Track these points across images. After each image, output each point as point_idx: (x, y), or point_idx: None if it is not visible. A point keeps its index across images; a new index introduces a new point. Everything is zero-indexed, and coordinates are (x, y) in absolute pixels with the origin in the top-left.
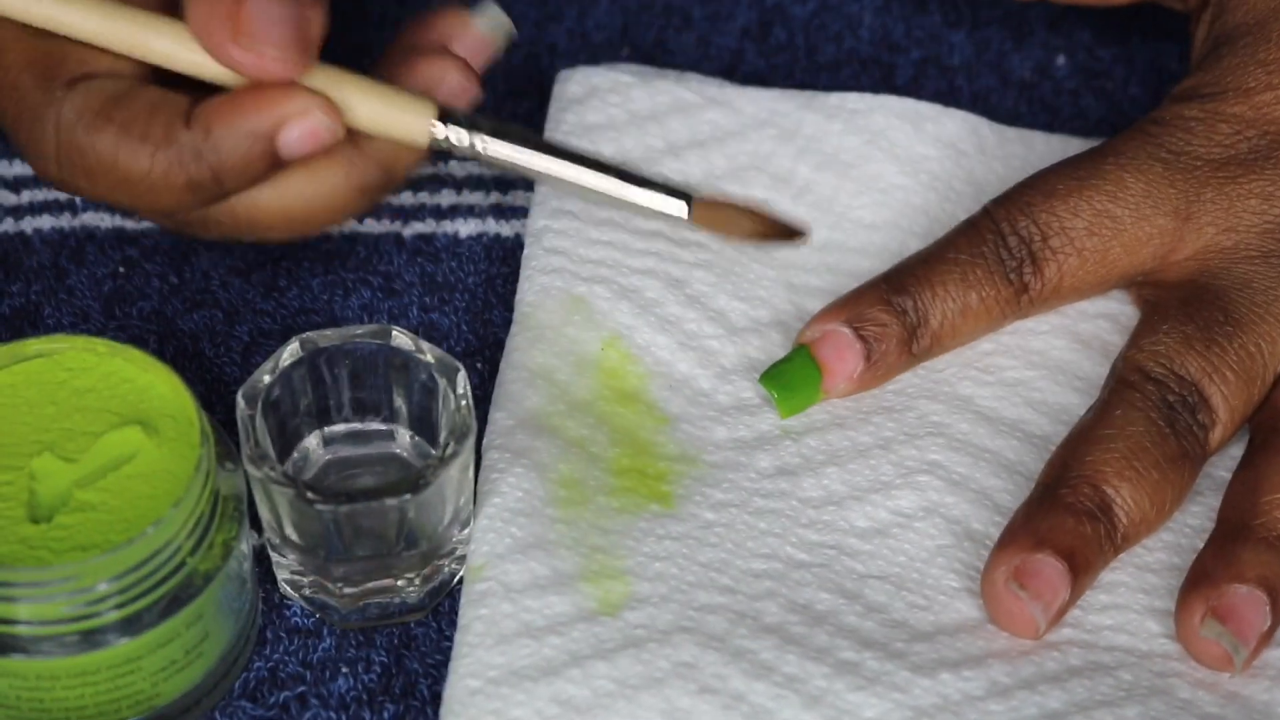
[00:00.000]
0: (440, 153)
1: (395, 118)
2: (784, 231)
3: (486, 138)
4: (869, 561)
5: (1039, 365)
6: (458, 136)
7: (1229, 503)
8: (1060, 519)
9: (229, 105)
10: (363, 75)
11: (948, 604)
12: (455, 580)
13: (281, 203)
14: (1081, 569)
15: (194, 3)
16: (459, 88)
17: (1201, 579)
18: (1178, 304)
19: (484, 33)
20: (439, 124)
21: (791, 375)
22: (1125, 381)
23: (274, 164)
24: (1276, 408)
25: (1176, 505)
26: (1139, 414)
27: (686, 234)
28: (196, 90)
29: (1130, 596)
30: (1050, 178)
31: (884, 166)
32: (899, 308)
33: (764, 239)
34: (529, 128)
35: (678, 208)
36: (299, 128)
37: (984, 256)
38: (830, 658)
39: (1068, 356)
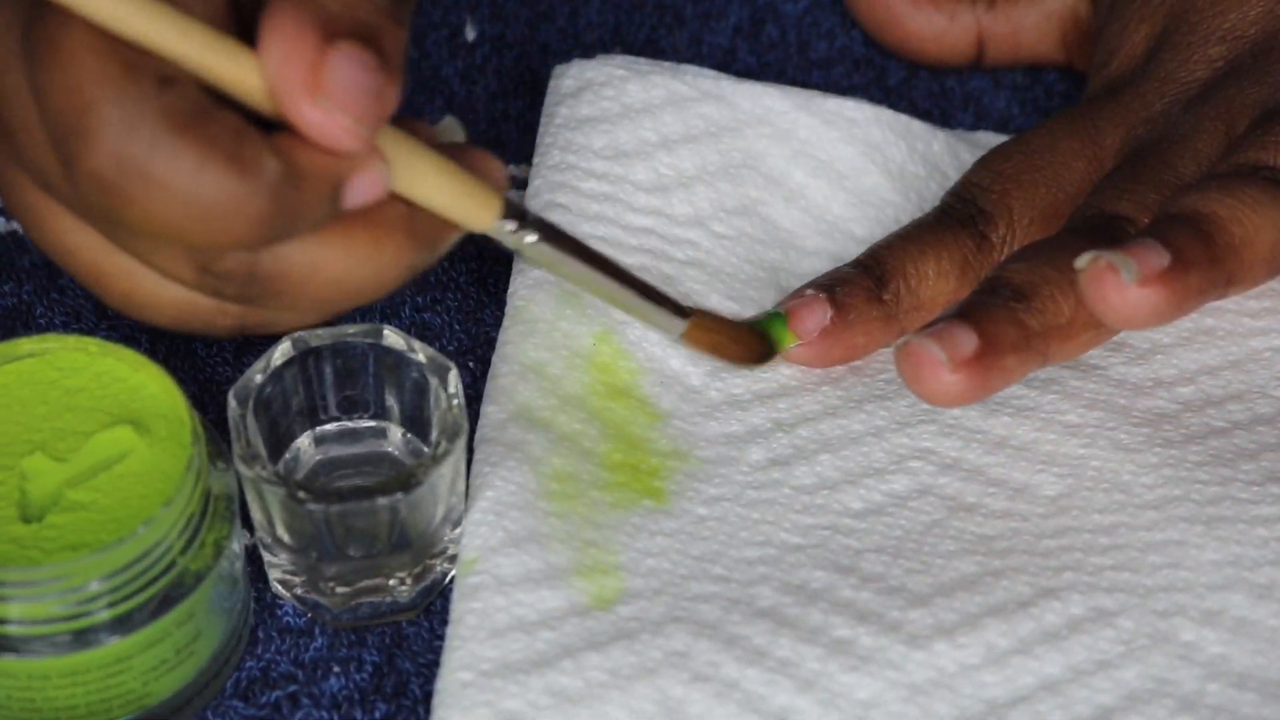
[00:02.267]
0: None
1: (462, 201)
2: (761, 354)
3: (533, 237)
4: (864, 538)
5: None
6: (510, 228)
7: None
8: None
9: (308, 144)
10: (434, 150)
11: (945, 565)
12: (447, 580)
13: (342, 272)
14: (983, 321)
15: (272, 38)
16: (501, 182)
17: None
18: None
19: (443, 140)
20: (503, 219)
21: (761, 324)
22: None
23: (335, 212)
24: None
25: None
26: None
27: (678, 232)
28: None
29: (1131, 535)
30: (986, 152)
31: (878, 181)
32: (861, 264)
33: (750, 364)
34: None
35: (677, 326)
36: (365, 177)
37: (939, 220)
38: (824, 637)
39: None
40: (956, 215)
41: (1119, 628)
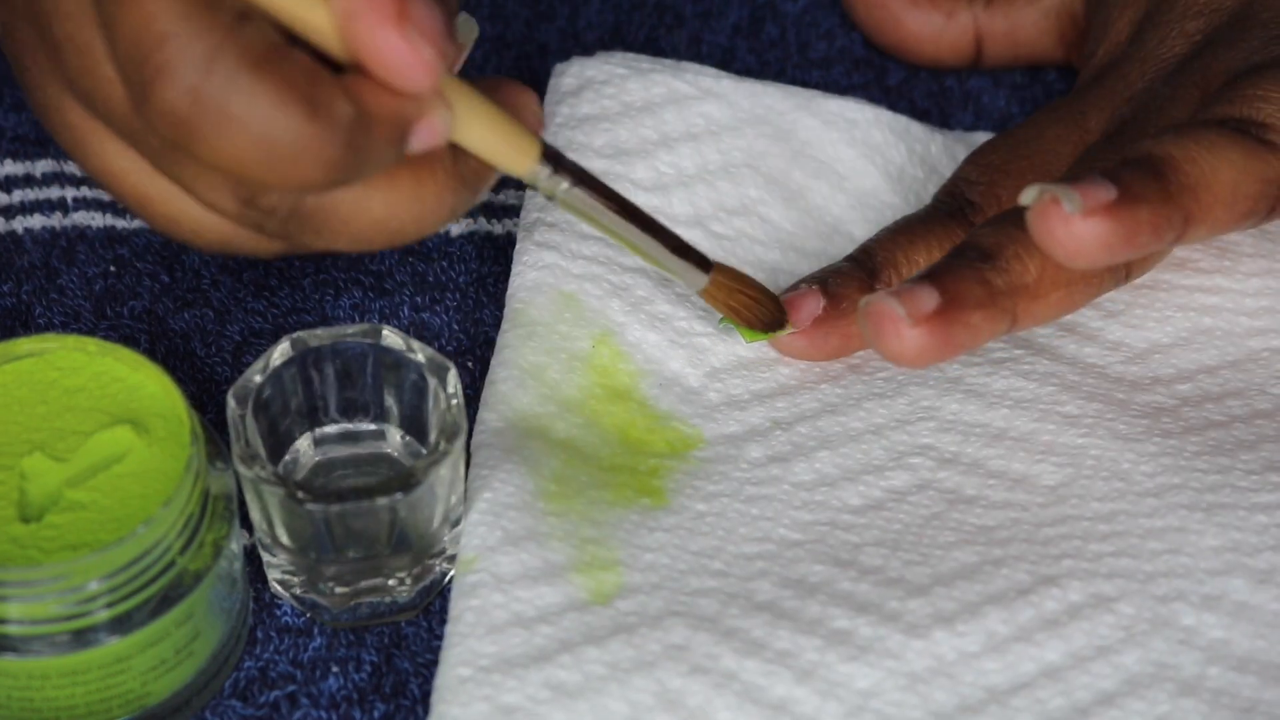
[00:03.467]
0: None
1: (503, 146)
2: (776, 321)
3: (570, 184)
4: (863, 532)
5: (1025, 345)
6: (547, 174)
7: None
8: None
9: (379, 87)
10: (477, 91)
11: (944, 556)
12: (446, 580)
13: (385, 212)
14: (944, 279)
15: None
16: (537, 121)
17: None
18: None
19: (459, 40)
20: (541, 162)
21: None
22: None
23: (400, 156)
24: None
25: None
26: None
27: (677, 231)
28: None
29: (1130, 522)
30: (976, 147)
31: (878, 183)
32: (852, 257)
33: (764, 328)
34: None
35: (699, 280)
36: (429, 122)
37: (931, 213)
38: (823, 629)
39: (1053, 343)
40: (947, 208)
41: (1119, 613)
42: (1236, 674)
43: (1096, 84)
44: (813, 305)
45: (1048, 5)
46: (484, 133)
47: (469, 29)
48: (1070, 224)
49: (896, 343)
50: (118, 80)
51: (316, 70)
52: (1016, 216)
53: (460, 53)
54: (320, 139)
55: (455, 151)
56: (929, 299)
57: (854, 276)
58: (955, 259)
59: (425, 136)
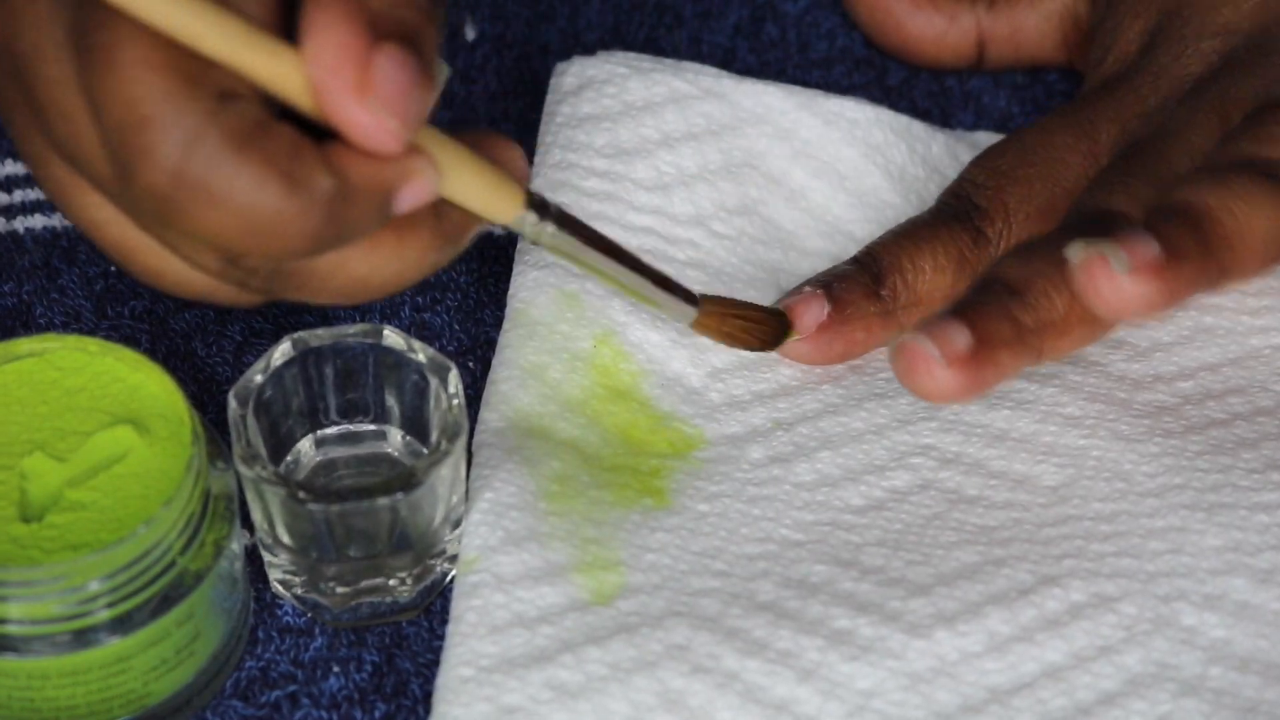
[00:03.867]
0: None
1: (487, 196)
2: (777, 335)
3: (555, 229)
4: (865, 532)
5: None
6: (532, 220)
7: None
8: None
9: (361, 156)
10: (458, 142)
11: (945, 556)
12: (447, 580)
13: (367, 270)
14: (976, 318)
15: (319, 37)
16: (523, 172)
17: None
18: None
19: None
20: (526, 209)
21: None
22: None
23: (385, 220)
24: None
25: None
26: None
27: (679, 231)
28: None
29: (1132, 522)
30: (982, 151)
31: (879, 182)
32: (858, 261)
33: (763, 348)
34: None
35: (687, 313)
36: (415, 185)
37: (936, 216)
38: (824, 628)
39: None
40: (953, 211)
41: (1121, 613)
42: (1238, 674)
43: (1107, 94)
44: (817, 311)
45: (1050, 9)
46: (469, 185)
47: (439, 70)
48: (1116, 283)
49: (929, 382)
50: (102, 149)
51: (299, 145)
52: (1045, 250)
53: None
54: (301, 213)
55: (438, 207)
56: (961, 338)
57: (858, 281)
58: (984, 294)
59: (411, 198)
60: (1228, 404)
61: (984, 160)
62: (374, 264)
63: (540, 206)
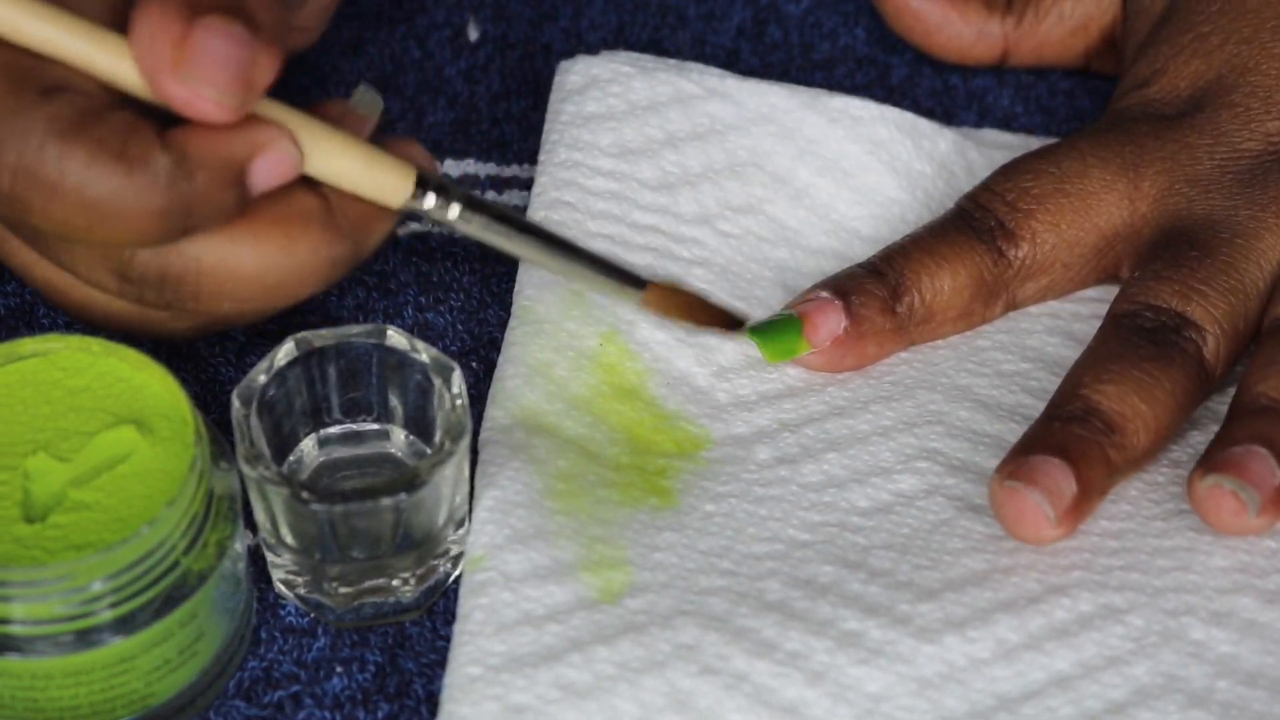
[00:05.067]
0: (408, 219)
1: (375, 177)
2: (727, 321)
3: (462, 208)
4: (872, 535)
5: (1035, 359)
6: (433, 203)
7: (1235, 400)
8: (1048, 427)
9: (203, 132)
10: (342, 131)
11: (953, 562)
12: (450, 580)
13: (256, 268)
14: (1079, 461)
15: (139, 23)
16: (422, 157)
17: (1204, 456)
18: (1149, 250)
19: (362, 112)
20: (418, 188)
21: (775, 327)
22: (1104, 325)
23: (242, 198)
24: (1276, 313)
25: (1176, 404)
26: (1114, 338)
27: (684, 230)
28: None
29: (1139, 540)
30: (1009, 162)
31: (883, 179)
32: (877, 271)
33: (708, 327)
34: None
35: (634, 295)
36: (268, 158)
37: (956, 228)
38: (833, 630)
39: (1063, 351)
40: (976, 226)
41: (1129, 625)
42: (1246, 688)
43: (1155, 137)
44: (834, 324)
45: (1076, 23)
46: (347, 166)
47: (370, 102)
48: (1243, 517)
49: (1035, 534)
50: None
51: (133, 126)
52: (1141, 389)
53: (368, 119)
54: (140, 191)
55: (328, 202)
56: (1069, 489)
57: (876, 296)
58: (1083, 427)
59: (267, 173)
60: None
61: (1015, 176)
62: (263, 260)
63: (441, 189)
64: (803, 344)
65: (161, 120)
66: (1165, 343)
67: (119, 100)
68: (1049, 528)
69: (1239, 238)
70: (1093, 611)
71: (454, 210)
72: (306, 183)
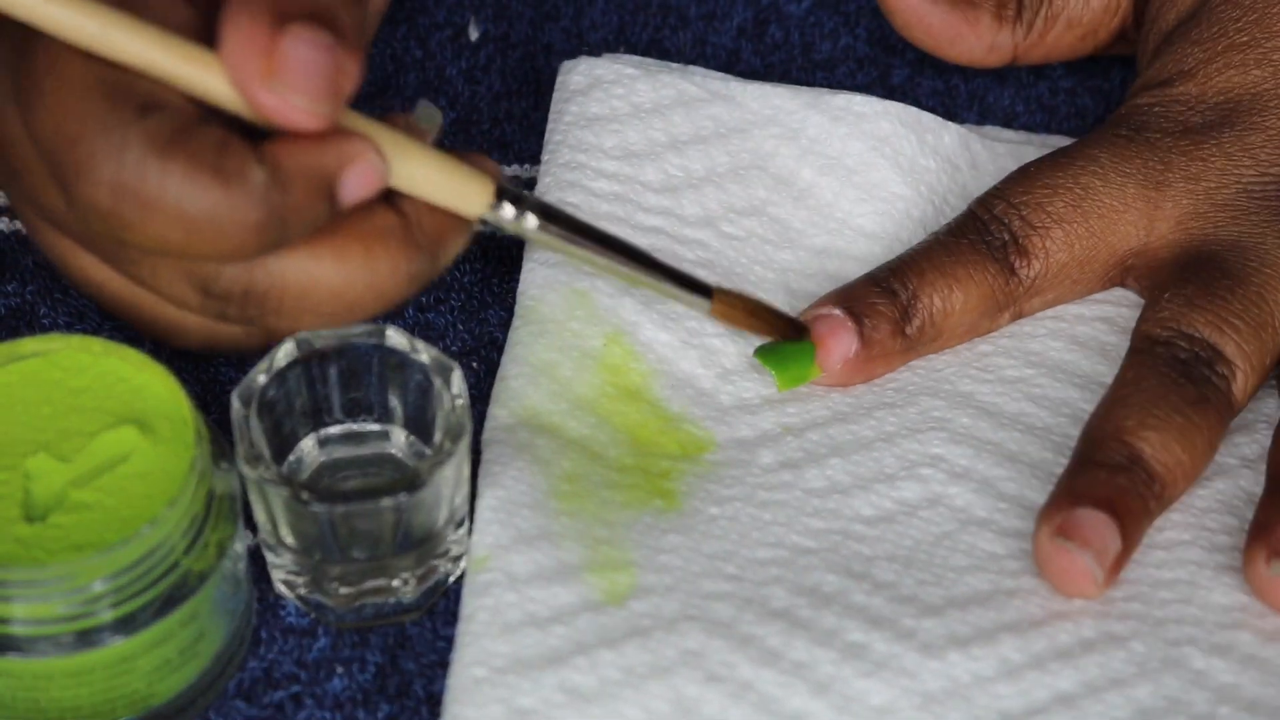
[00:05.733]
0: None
1: (456, 187)
2: (792, 329)
3: (536, 218)
4: (876, 545)
5: (1038, 364)
6: (509, 214)
7: (1275, 456)
8: (1094, 475)
9: (295, 144)
10: (420, 142)
11: (957, 580)
12: (451, 580)
13: (338, 284)
14: (1125, 516)
15: (227, 33)
16: (493, 170)
17: (1260, 528)
18: (1175, 272)
19: (423, 126)
20: (497, 200)
21: (786, 351)
22: (1136, 350)
23: (332, 211)
24: None
25: (1210, 450)
26: (1152, 372)
27: (688, 232)
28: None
29: (1140, 571)
30: (1026, 168)
31: (887, 175)
32: (890, 290)
33: (775, 335)
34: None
35: (701, 303)
36: (358, 170)
37: (970, 243)
38: (838, 640)
39: (1066, 356)
40: (989, 240)
41: (1131, 650)
42: (1248, 715)
43: (1182, 158)
44: (846, 345)
45: (1085, 29)
46: (429, 177)
47: (431, 116)
48: None
49: (1079, 592)
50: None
51: (227, 141)
52: (1184, 438)
53: (428, 133)
54: (236, 205)
55: (407, 218)
56: (1114, 546)
57: (887, 318)
58: (1130, 479)
59: (357, 185)
60: (1234, 445)
61: (1033, 188)
62: (345, 276)
63: (516, 199)
64: (815, 370)
65: (247, 134)
66: (1200, 379)
67: (208, 114)
68: (1094, 588)
69: (1267, 267)
70: (1095, 636)
71: (530, 220)
72: (385, 199)
